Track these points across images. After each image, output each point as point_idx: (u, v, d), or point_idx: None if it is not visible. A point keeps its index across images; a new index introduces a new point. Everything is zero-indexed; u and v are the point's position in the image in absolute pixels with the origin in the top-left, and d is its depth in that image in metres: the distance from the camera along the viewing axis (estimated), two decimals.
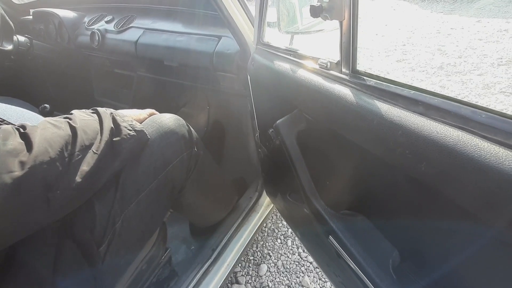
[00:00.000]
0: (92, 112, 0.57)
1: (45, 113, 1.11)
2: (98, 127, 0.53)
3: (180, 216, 1.13)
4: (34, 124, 0.63)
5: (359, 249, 0.48)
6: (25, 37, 1.35)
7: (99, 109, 0.59)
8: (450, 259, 0.41)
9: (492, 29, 4.01)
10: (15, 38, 1.30)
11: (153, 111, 0.77)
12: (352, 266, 0.50)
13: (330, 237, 0.53)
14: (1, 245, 0.42)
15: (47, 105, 1.12)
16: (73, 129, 0.49)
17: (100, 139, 0.52)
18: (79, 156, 0.48)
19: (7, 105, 0.65)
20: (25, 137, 0.43)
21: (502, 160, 0.26)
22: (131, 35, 1.20)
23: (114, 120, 0.57)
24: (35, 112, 0.69)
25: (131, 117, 0.65)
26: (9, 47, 1.26)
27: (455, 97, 0.32)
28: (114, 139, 0.54)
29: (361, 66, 0.45)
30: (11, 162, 0.39)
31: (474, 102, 0.30)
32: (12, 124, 0.51)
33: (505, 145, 0.27)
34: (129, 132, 0.57)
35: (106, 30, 1.27)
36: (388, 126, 0.36)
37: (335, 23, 0.47)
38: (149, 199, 0.65)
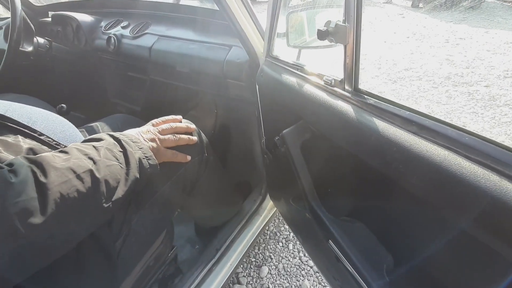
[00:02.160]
0: (120, 151, 0.53)
1: (62, 113, 1.16)
2: (121, 177, 0.50)
3: (186, 216, 1.18)
4: (57, 126, 0.68)
5: (356, 254, 0.52)
6: (45, 39, 1.42)
7: (129, 147, 0.54)
8: (437, 263, 0.44)
9: (500, 41, 4.01)
10: (35, 40, 1.37)
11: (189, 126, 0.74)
12: (349, 269, 0.54)
13: (330, 241, 0.57)
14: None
15: (64, 105, 1.18)
16: (94, 182, 0.45)
17: (120, 192, 0.49)
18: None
19: (32, 107, 0.70)
20: (41, 189, 0.39)
21: (479, 178, 0.30)
22: (146, 41, 1.25)
23: (140, 164, 0.54)
24: (53, 112, 0.73)
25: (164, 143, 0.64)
26: (29, 48, 1.33)
27: (444, 120, 0.36)
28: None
29: (363, 84, 0.49)
30: (17, 225, 0.35)
31: (460, 125, 0.34)
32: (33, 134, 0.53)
33: (484, 165, 0.31)
34: (147, 170, 0.56)
35: (122, 35, 1.33)
36: (385, 142, 0.40)
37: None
38: (161, 200, 0.69)
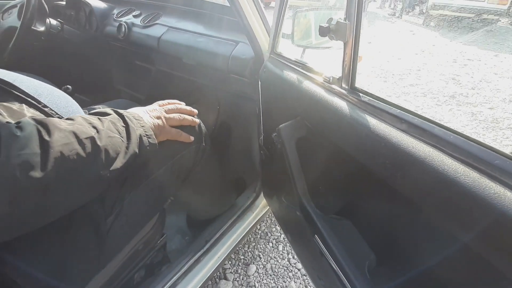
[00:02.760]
0: (123, 126, 0.55)
1: (67, 93, 1.18)
2: (121, 149, 0.51)
3: (178, 207, 1.19)
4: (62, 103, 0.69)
5: (340, 249, 0.53)
6: (57, 21, 1.44)
7: (131, 123, 0.56)
8: (420, 264, 0.45)
9: (508, 65, 4.02)
10: (47, 21, 1.40)
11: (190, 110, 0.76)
12: (332, 265, 0.54)
13: (316, 236, 0.58)
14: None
15: (69, 86, 1.20)
16: (95, 149, 0.47)
17: (119, 164, 0.50)
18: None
19: (40, 82, 0.71)
20: (44, 146, 0.40)
21: (460, 175, 0.31)
22: (155, 31, 1.27)
23: (140, 141, 0.55)
24: None
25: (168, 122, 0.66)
26: (41, 28, 1.35)
27: (431, 119, 0.37)
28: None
29: (359, 83, 0.50)
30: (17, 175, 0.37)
31: (445, 124, 0.35)
32: (43, 108, 0.55)
33: (465, 163, 0.32)
34: (146, 148, 0.57)
35: (133, 24, 1.35)
36: (374, 138, 0.41)
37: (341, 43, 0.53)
38: (155, 183, 0.70)
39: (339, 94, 0.52)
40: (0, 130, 0.38)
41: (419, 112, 0.39)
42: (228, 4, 1.18)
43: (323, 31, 0.48)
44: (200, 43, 1.13)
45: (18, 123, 0.41)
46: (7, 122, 0.40)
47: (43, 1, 1.33)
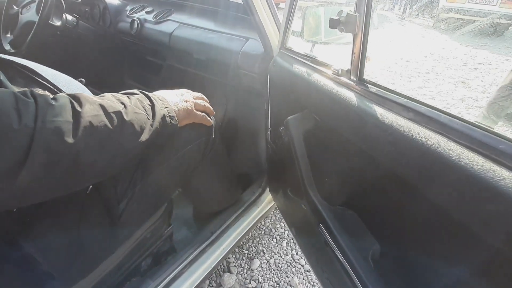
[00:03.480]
0: (149, 104, 0.57)
1: None
2: (146, 126, 0.54)
3: (185, 199, 1.21)
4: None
5: (344, 238, 0.54)
6: (73, 16, 1.49)
7: (157, 103, 0.58)
8: (423, 253, 0.46)
9: None
10: (64, 16, 1.44)
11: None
12: (336, 253, 0.55)
13: (321, 225, 0.59)
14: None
15: (83, 79, 1.23)
16: (121, 122, 0.49)
17: (143, 138, 0.53)
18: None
19: (57, 72, 0.74)
20: (76, 116, 0.44)
21: (464, 159, 0.32)
22: (167, 27, 1.30)
23: (163, 120, 0.59)
24: None
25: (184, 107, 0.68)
26: (58, 23, 1.40)
27: (437, 107, 0.38)
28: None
29: (367, 75, 0.51)
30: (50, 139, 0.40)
31: (452, 113, 0.36)
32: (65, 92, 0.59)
33: (470, 148, 0.33)
34: (168, 127, 0.60)
35: (145, 20, 1.39)
36: (380, 127, 0.42)
37: (350, 37, 0.54)
38: (166, 172, 0.73)
39: (348, 86, 0.53)
40: (38, 99, 0.41)
41: (424, 101, 0.40)
42: (237, 1, 1.21)
43: (333, 23, 0.50)
44: (211, 39, 1.15)
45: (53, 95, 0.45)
46: (43, 93, 0.44)
47: None
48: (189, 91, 0.77)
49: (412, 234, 0.46)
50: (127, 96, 0.55)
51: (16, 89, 0.48)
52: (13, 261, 0.48)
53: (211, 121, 0.78)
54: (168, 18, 1.34)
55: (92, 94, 0.78)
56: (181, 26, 1.27)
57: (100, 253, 0.64)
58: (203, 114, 0.74)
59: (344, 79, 0.55)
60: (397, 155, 0.40)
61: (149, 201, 0.74)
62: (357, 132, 0.49)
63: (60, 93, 0.46)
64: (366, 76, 0.50)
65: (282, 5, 0.89)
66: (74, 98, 0.46)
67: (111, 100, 0.51)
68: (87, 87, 1.27)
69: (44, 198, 0.45)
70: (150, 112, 0.56)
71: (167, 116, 0.60)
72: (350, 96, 0.50)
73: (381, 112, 0.44)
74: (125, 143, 0.50)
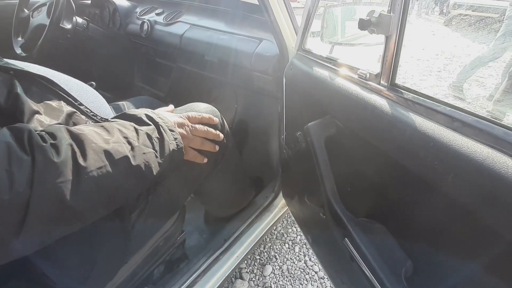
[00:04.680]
0: (157, 137, 0.53)
1: None
2: (155, 164, 0.50)
3: (196, 204, 1.19)
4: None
5: (373, 254, 0.50)
6: (83, 19, 1.48)
7: (166, 136, 0.54)
8: (463, 276, 0.42)
9: None
10: (74, 19, 1.43)
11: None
12: (365, 270, 0.52)
13: (346, 239, 0.56)
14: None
15: (93, 83, 1.22)
16: (128, 169, 0.46)
17: (149, 178, 0.50)
18: None
19: (70, 77, 0.73)
20: (78, 171, 0.39)
21: None
22: (178, 28, 1.28)
23: (172, 155, 0.55)
24: None
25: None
26: (69, 26, 1.39)
27: (489, 117, 0.34)
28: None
29: (399, 80, 0.47)
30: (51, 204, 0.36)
31: (507, 124, 0.32)
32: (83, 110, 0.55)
33: None
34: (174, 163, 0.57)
35: (156, 22, 1.37)
36: (420, 138, 0.39)
37: (378, 37, 0.50)
38: (178, 179, 0.70)
39: (377, 91, 0.49)
40: (36, 155, 0.35)
41: (472, 111, 0.36)
42: (250, 1, 1.18)
43: (363, 24, 0.46)
44: (223, 40, 1.12)
45: (52, 136, 0.40)
46: (42, 143, 0.37)
47: (71, 0, 1.36)
48: (193, 116, 0.68)
49: (452, 252, 0.42)
50: (135, 129, 0.50)
51: (30, 103, 0.45)
52: (27, 279, 0.46)
53: (215, 146, 0.71)
54: (179, 19, 1.32)
55: (105, 100, 0.77)
56: (192, 27, 1.25)
57: (114, 265, 0.62)
58: (200, 138, 0.67)
59: (372, 83, 0.51)
60: (442, 169, 0.36)
61: (161, 210, 0.72)
62: (390, 141, 0.45)
63: (62, 134, 0.40)
64: (399, 81, 0.47)
65: (294, 4, 0.85)
66: (77, 142, 0.41)
67: (117, 142, 0.46)
68: (97, 90, 1.26)
69: (42, 246, 0.40)
70: (158, 148, 0.51)
71: (176, 149, 0.56)
72: (382, 103, 0.47)
73: (419, 121, 0.40)
74: (131, 187, 0.47)
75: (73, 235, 0.50)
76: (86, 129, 0.44)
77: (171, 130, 0.56)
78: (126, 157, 0.45)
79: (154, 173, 0.50)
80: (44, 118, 0.47)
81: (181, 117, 0.66)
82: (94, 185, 0.40)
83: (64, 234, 0.41)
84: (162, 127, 0.54)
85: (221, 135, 0.73)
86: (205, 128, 0.68)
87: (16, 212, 0.33)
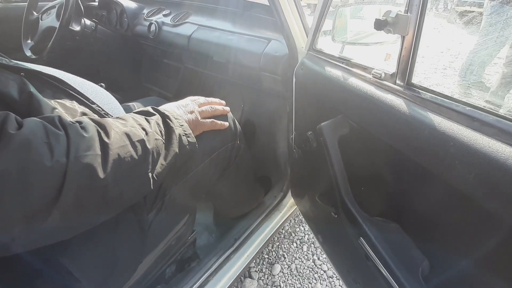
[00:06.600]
0: (165, 132, 0.55)
1: None
2: (162, 151, 0.53)
3: (205, 204, 1.20)
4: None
5: (390, 253, 0.50)
6: (92, 21, 1.49)
7: (171, 125, 0.56)
8: (481, 276, 0.42)
9: None
10: (82, 21, 1.45)
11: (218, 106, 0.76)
12: (381, 269, 0.52)
13: (361, 238, 0.56)
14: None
15: (103, 84, 1.23)
16: (144, 151, 0.48)
17: (160, 165, 0.52)
18: None
19: (82, 79, 0.73)
20: (104, 148, 0.42)
21: None
22: (185, 29, 1.28)
23: (180, 141, 0.56)
24: None
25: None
26: (77, 28, 1.40)
27: (509, 117, 0.34)
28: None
29: (416, 79, 0.48)
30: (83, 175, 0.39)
31: None
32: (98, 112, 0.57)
33: None
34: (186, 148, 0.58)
35: (163, 23, 1.37)
36: (439, 138, 0.39)
37: (392, 37, 0.50)
38: (193, 180, 0.71)
39: (393, 91, 0.49)
40: (68, 130, 0.39)
41: (493, 110, 0.36)
42: (258, 2, 1.18)
43: (380, 25, 0.46)
44: (231, 40, 1.13)
45: (80, 122, 0.42)
46: (72, 122, 0.41)
47: (80, 2, 1.38)
48: (196, 98, 0.73)
49: (471, 253, 0.42)
50: (146, 119, 0.53)
51: (46, 101, 0.47)
52: (51, 278, 0.47)
53: (224, 123, 0.73)
54: (186, 20, 1.32)
55: (117, 101, 0.78)
56: (200, 28, 1.25)
57: (133, 263, 0.63)
58: (211, 120, 0.70)
59: (388, 83, 0.51)
60: (462, 168, 0.36)
61: (177, 210, 0.72)
62: (408, 141, 0.45)
63: (87, 120, 0.44)
64: (416, 81, 0.47)
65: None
66: (100, 125, 0.44)
67: (134, 126, 0.49)
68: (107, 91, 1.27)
69: (70, 235, 0.43)
70: (164, 135, 0.54)
71: (183, 135, 0.57)
72: (399, 102, 0.47)
73: (438, 121, 0.40)
74: (148, 172, 0.49)
75: (96, 233, 0.52)
76: (105, 118, 0.48)
77: (176, 119, 0.59)
78: (143, 140, 0.48)
79: (165, 160, 0.52)
80: (66, 116, 0.48)
81: (187, 104, 0.69)
82: (119, 162, 0.43)
83: (92, 219, 0.44)
84: (167, 116, 0.57)
85: (227, 109, 0.77)
86: (211, 108, 0.71)
87: (56, 178, 0.36)
